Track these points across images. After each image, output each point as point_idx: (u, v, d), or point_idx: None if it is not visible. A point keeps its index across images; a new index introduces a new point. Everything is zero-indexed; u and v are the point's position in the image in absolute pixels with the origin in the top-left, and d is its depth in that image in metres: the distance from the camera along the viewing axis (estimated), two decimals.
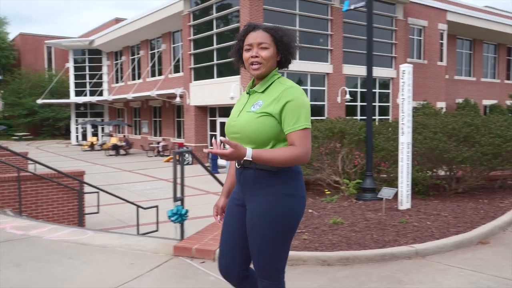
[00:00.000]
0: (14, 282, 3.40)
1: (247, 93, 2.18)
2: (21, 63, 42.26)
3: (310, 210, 5.87)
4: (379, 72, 20.03)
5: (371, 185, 6.61)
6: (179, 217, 4.28)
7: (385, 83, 21.32)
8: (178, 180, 4.37)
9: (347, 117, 7.82)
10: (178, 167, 4.37)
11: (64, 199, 9.28)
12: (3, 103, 43.20)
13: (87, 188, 9.18)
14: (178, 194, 4.36)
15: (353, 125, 7.06)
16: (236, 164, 2.14)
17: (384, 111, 21.31)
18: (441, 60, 24.14)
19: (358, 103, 20.32)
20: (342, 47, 19.26)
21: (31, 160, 7.99)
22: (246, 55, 2.09)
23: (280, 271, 2.13)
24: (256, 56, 2.05)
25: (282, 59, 2.13)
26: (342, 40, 19.19)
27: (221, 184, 5.90)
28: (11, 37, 43.67)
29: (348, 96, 19.14)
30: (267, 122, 2.00)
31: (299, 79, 18.48)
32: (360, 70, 19.84)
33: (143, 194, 12.80)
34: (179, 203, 4.33)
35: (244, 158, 1.90)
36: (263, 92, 2.09)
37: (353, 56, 19.69)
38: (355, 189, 6.65)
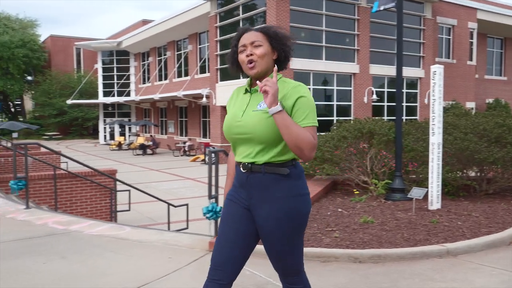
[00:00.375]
0: (62, 273, 3.61)
1: (246, 92, 2.13)
2: (51, 65, 43.43)
3: (339, 210, 5.94)
4: (406, 71, 19.82)
5: (400, 185, 6.62)
6: (214, 214, 4.42)
7: (412, 83, 21.10)
8: (211, 179, 4.50)
9: (376, 118, 7.84)
10: (213, 166, 4.51)
11: (97, 197, 9.59)
12: (34, 103, 44.50)
13: (118, 186, 9.46)
14: (213, 192, 4.50)
15: (382, 125, 7.08)
16: (242, 168, 2.07)
17: (411, 111, 21.09)
18: (471, 60, 23.71)
19: (385, 103, 20.18)
20: (369, 47, 19.16)
21: (75, 160, 8.27)
22: (241, 56, 2.07)
23: (302, 265, 2.20)
24: (251, 54, 2.03)
25: (281, 56, 2.10)
26: (369, 40, 19.10)
27: None
28: (42, 39, 44.92)
29: (374, 96, 19.03)
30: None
31: (324, 79, 18.49)
32: (387, 70, 19.70)
33: (170, 192, 13.05)
34: (213, 200, 4.47)
35: (274, 111, 1.87)
36: None
37: (380, 56, 19.57)
38: (384, 189, 6.67)
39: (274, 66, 2.08)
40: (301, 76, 17.64)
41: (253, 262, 3.83)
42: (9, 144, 13.24)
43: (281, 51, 2.08)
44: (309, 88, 18.02)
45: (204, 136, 25.63)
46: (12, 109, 46.51)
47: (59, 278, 3.51)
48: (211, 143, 22.01)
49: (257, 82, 1.93)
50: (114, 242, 4.45)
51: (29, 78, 43.77)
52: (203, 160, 21.41)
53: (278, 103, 1.88)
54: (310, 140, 1.91)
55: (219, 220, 4.55)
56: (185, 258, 3.97)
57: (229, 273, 2.08)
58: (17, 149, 7.72)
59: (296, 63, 17.29)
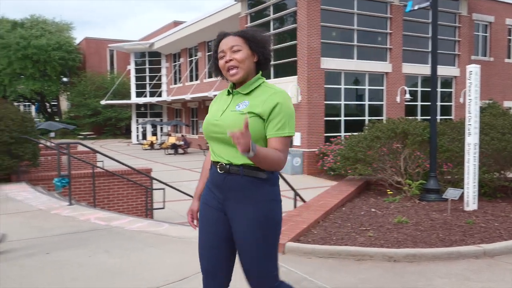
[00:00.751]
0: (106, 266, 3.79)
1: (229, 93, 2.12)
2: (86, 66, 44.68)
3: (373, 209, 5.96)
4: (441, 70, 19.35)
5: (435, 186, 6.56)
6: None
7: (447, 82, 20.69)
8: None
9: (410, 118, 7.78)
10: None
11: (133, 195, 9.88)
12: (69, 104, 45.91)
13: (153, 185, 9.71)
14: None
15: (416, 125, 7.03)
16: (219, 168, 2.04)
17: (446, 110, 20.68)
18: (509, 57, 23.04)
19: (419, 103, 19.86)
20: (402, 45, 18.90)
21: (115, 160, 8.56)
22: (221, 62, 2.05)
23: (274, 281, 2.08)
24: (231, 60, 2.01)
25: (260, 58, 2.07)
26: (401, 38, 18.84)
27: (286, 182, 6.12)
28: (77, 41, 46.28)
29: (407, 96, 18.76)
30: (255, 123, 1.95)
31: (356, 78, 18.36)
32: (420, 69, 19.38)
33: (193, 193, 13.26)
34: None
35: (249, 153, 1.78)
36: (248, 94, 2.04)
37: (413, 55, 19.28)
38: (418, 190, 6.63)
39: (256, 70, 2.09)
40: (332, 76, 17.59)
41: (290, 259, 3.94)
42: (48, 144, 13.74)
43: (260, 53, 2.06)
44: (340, 88, 17.96)
45: None
46: (49, 110, 48.08)
47: (103, 270, 3.69)
48: None
49: (228, 133, 1.78)
50: (154, 237, 4.62)
51: (65, 79, 45.13)
52: None
53: (250, 150, 1.77)
54: (281, 159, 1.93)
55: None
56: None
57: (223, 279, 2.11)
58: (59, 149, 8.04)
59: (327, 63, 17.26)
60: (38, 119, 45.79)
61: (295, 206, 6.56)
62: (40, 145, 10.55)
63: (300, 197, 6.76)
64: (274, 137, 1.95)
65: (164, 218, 9.82)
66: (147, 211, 9.75)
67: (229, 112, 2.01)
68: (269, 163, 1.90)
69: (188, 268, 3.71)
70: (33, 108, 49.09)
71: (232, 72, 2.01)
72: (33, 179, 9.52)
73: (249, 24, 20.61)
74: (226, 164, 2.00)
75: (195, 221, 2.25)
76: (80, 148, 14.24)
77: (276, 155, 1.91)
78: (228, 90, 2.12)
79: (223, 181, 2.02)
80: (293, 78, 17.65)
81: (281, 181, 5.97)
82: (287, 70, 18.35)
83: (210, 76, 28.10)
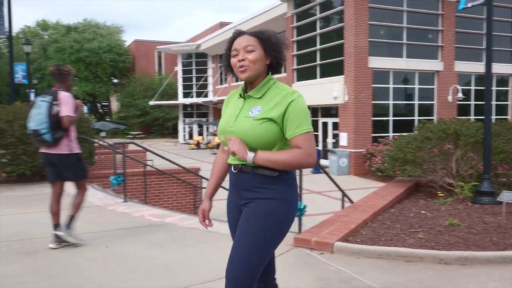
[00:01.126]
0: (162, 260, 3.98)
1: (241, 97, 2.12)
2: (135, 68, 46.19)
3: (423, 211, 5.86)
4: (496, 68, 18.60)
5: (489, 188, 6.36)
6: (298, 211, 4.60)
7: (503, 80, 19.83)
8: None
9: (462, 118, 7.57)
10: None
11: (182, 193, 10.19)
12: (119, 104, 47.60)
13: (202, 183, 9.96)
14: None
15: (469, 126, 6.83)
16: (233, 168, 2.09)
17: (501, 110, 19.82)
18: None
19: (472, 102, 19.17)
20: (454, 42, 18.30)
21: (169, 160, 8.87)
22: (233, 60, 2.06)
23: (255, 277, 1.97)
24: (243, 60, 2.01)
25: (273, 62, 2.07)
26: (454, 35, 18.25)
27: (334, 182, 6.14)
28: (126, 43, 47.94)
29: (460, 95, 18.13)
30: (270, 128, 1.97)
31: (405, 77, 17.96)
32: (474, 67, 18.69)
33: None
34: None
35: (250, 161, 1.95)
36: (260, 97, 2.04)
37: (467, 52, 18.63)
38: (471, 192, 6.45)
39: (267, 71, 2.09)
40: (380, 75, 17.30)
41: (338, 258, 3.97)
42: (101, 143, 14.35)
43: (273, 56, 2.05)
44: (388, 87, 17.63)
45: None
46: (100, 110, 50.09)
47: (159, 264, 3.88)
48: None
49: (226, 148, 2.02)
50: (205, 234, 4.78)
51: (115, 80, 46.88)
52: None
53: (248, 154, 1.95)
54: (298, 157, 1.94)
55: (303, 216, 4.74)
56: None
57: (267, 269, 2.15)
58: (114, 148, 8.43)
59: (375, 62, 17.00)
60: (90, 119, 47.77)
61: (342, 207, 6.56)
62: (95, 144, 11.06)
63: (348, 198, 6.74)
64: (294, 136, 1.97)
65: (211, 216, 10.05)
66: (195, 209, 10.01)
67: (243, 118, 2.01)
68: (280, 164, 1.95)
69: None
70: (85, 108, 51.35)
71: (241, 69, 2.02)
72: (88, 177, 10.00)
73: (295, 24, 20.63)
74: (240, 164, 2.05)
75: (206, 221, 2.28)
76: (132, 147, 14.80)
77: (290, 155, 1.95)
78: (240, 94, 2.12)
79: (236, 180, 2.09)
80: (340, 78, 17.51)
81: (328, 181, 5.99)
82: (333, 69, 18.22)
83: None
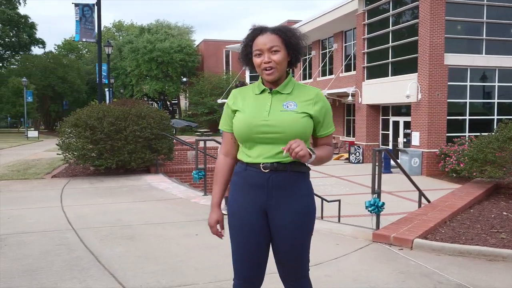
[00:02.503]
0: None
1: (263, 92, 2.07)
2: (204, 67, 47.59)
3: (504, 213, 5.73)
4: None
5: None
6: (376, 208, 4.73)
7: None
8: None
9: None
10: (376, 163, 4.80)
11: None
12: (187, 102, 49.33)
13: None
14: (376, 188, 4.80)
15: None
16: (263, 168, 2.00)
17: None
18: None
19: None
20: None
21: None
22: (257, 60, 2.00)
23: (308, 270, 2.15)
24: (269, 62, 1.97)
25: (293, 60, 2.07)
26: None
27: (412, 181, 6.15)
28: (196, 43, 49.55)
29: None
30: (309, 123, 2.01)
31: (483, 74, 17.16)
32: None
33: (316, 189, 13.45)
34: (376, 195, 4.78)
35: (311, 158, 1.92)
36: (289, 93, 2.04)
37: None
38: None
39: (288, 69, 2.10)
40: (457, 72, 16.66)
41: (418, 254, 4.07)
42: (176, 139, 15.11)
43: (293, 56, 2.05)
44: (465, 85, 16.95)
45: (348, 134, 25.70)
46: (170, 108, 52.21)
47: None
48: (355, 142, 22.02)
49: (284, 149, 1.88)
50: None
51: (184, 79, 48.58)
52: (347, 158, 21.55)
53: (312, 154, 1.94)
54: (330, 155, 2.09)
55: (380, 214, 4.85)
56: (351, 245, 4.36)
57: (260, 283, 2.14)
58: (191, 144, 8.94)
59: (452, 59, 16.40)
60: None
61: (419, 206, 6.54)
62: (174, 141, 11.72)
63: (425, 198, 6.71)
64: (328, 134, 2.09)
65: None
66: None
67: (280, 112, 1.98)
68: (324, 160, 2.06)
69: (319, 256, 4.03)
70: (155, 106, 53.78)
71: (268, 72, 1.98)
72: (168, 171, 10.66)
73: (366, 21, 20.37)
74: (273, 162, 1.99)
75: (223, 231, 2.18)
76: (206, 144, 15.38)
77: (327, 150, 2.08)
78: (263, 89, 2.06)
79: (267, 180, 1.99)
80: (413, 76, 17.08)
81: (399, 182, 6.01)
82: (406, 67, 17.80)
83: (324, 75, 28.27)
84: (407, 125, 18.62)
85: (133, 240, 4.60)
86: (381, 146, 20.83)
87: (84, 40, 13.32)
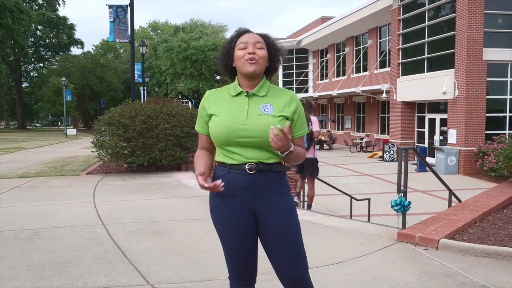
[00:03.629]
0: None
1: (239, 94, 2.05)
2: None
3: None
4: None
5: None
6: (402, 207, 4.65)
7: None
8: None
9: None
10: (402, 162, 4.72)
11: None
12: None
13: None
14: (402, 187, 4.72)
15: None
16: (248, 169, 1.98)
17: None
18: None
19: None
20: None
21: None
22: (240, 52, 2.01)
23: (308, 273, 2.09)
24: (254, 53, 1.99)
25: (272, 66, 2.09)
26: None
27: (441, 180, 6.01)
28: None
29: None
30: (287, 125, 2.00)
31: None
32: None
33: (348, 187, 13.38)
34: (402, 194, 4.70)
35: (290, 149, 1.91)
36: (265, 96, 2.04)
37: None
38: None
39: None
40: (496, 68, 16.06)
41: (443, 255, 3.98)
42: None
43: (272, 62, 2.08)
44: (506, 81, 16.32)
45: (383, 132, 25.25)
46: None
47: None
48: (390, 140, 21.62)
49: (271, 140, 1.86)
50: (310, 226, 5.03)
51: (218, 77, 49.01)
52: (381, 156, 21.18)
53: (291, 146, 1.93)
54: (304, 154, 2.10)
55: (409, 213, 4.77)
56: (374, 244, 4.31)
57: (254, 277, 2.17)
58: None
59: (491, 54, 15.82)
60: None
61: (449, 205, 6.38)
62: None
63: (456, 197, 6.53)
64: (301, 136, 2.10)
65: (318, 209, 10.28)
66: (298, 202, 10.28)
67: (257, 116, 1.98)
68: (299, 157, 2.06)
69: (342, 254, 4.02)
70: (189, 104, 54.49)
71: (251, 62, 1.98)
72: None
73: (401, 17, 19.94)
74: (258, 163, 1.99)
75: (218, 181, 1.93)
76: None
77: (301, 150, 2.08)
78: (239, 92, 2.05)
79: (253, 181, 1.99)
80: (450, 72, 16.60)
81: (434, 180, 5.87)
82: (442, 63, 17.32)
83: (357, 71, 27.88)
84: (443, 122, 18.12)
85: (159, 235, 4.71)
86: (416, 144, 20.37)
87: (117, 40, 13.68)
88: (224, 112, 2.02)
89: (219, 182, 1.90)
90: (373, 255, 4.02)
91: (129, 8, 12.88)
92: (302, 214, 5.53)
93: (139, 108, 10.17)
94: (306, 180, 7.66)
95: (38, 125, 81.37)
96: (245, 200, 2.01)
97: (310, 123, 6.68)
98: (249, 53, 1.98)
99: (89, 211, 5.95)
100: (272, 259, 2.07)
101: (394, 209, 4.73)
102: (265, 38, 2.07)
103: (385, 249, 4.17)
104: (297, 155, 2.02)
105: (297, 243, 2.04)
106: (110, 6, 13.13)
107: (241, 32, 2.07)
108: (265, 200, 2.01)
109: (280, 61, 2.10)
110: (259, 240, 2.12)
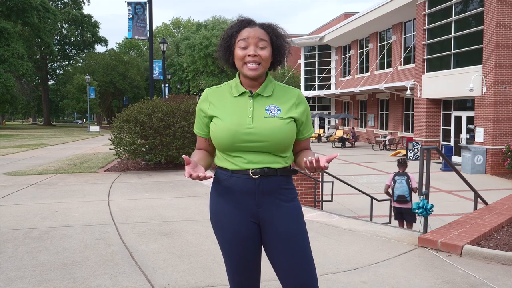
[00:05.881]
0: None
1: (242, 95, 1.90)
2: None
3: None
4: None
5: None
6: (424, 210, 4.40)
7: None
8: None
9: None
10: (424, 162, 4.47)
11: (303, 186, 10.31)
12: None
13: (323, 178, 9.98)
14: (423, 189, 4.47)
15: None
16: (253, 174, 1.85)
17: None
18: None
19: None
20: None
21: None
22: (240, 53, 1.84)
23: (317, 280, 1.93)
24: (255, 55, 1.82)
25: (275, 61, 1.92)
26: None
27: (465, 181, 5.71)
28: None
29: None
30: (294, 128, 1.89)
31: None
32: None
33: (370, 186, 13.08)
34: (424, 197, 4.45)
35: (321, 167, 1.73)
36: (270, 96, 1.90)
37: None
38: None
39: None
40: None
41: (467, 262, 3.74)
42: None
43: (277, 57, 1.92)
44: None
45: (407, 130, 24.69)
46: None
47: None
48: (414, 138, 21.10)
49: (308, 163, 1.68)
50: (326, 228, 4.83)
51: None
52: (405, 155, 20.68)
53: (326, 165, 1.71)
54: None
55: (432, 215, 4.51)
56: (394, 249, 4.08)
57: (258, 285, 2.03)
58: None
59: None
60: None
61: (475, 208, 6.07)
62: None
63: (482, 199, 6.21)
64: (309, 137, 2.00)
65: (332, 210, 10.05)
66: (315, 202, 10.08)
67: (264, 119, 1.84)
68: None
69: (358, 259, 3.80)
70: None
71: (252, 66, 1.82)
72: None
73: (427, 11, 19.39)
74: (264, 168, 1.85)
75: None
76: None
77: (311, 153, 1.96)
78: (243, 92, 1.91)
79: (257, 186, 1.86)
80: (477, 68, 16.04)
81: (460, 180, 5.58)
82: (469, 59, 16.77)
83: (381, 68, 27.34)
84: (470, 120, 17.56)
85: (169, 236, 4.58)
86: (442, 143, 19.82)
87: (136, 37, 13.68)
88: (227, 114, 1.88)
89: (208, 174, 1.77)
90: (392, 261, 3.79)
91: (147, 5, 12.88)
92: (317, 216, 5.34)
93: (156, 105, 10.12)
94: None
95: (79, 121, 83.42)
96: (248, 206, 1.89)
97: (409, 180, 7.45)
98: (250, 55, 1.83)
99: (102, 210, 5.88)
100: (278, 268, 1.91)
101: (416, 213, 4.49)
102: (269, 32, 1.88)
103: (405, 255, 3.93)
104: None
105: (304, 250, 1.89)
106: (129, 3, 13.14)
107: (243, 25, 1.88)
108: (270, 206, 1.88)
109: (281, 58, 1.93)
110: (262, 250, 1.98)
